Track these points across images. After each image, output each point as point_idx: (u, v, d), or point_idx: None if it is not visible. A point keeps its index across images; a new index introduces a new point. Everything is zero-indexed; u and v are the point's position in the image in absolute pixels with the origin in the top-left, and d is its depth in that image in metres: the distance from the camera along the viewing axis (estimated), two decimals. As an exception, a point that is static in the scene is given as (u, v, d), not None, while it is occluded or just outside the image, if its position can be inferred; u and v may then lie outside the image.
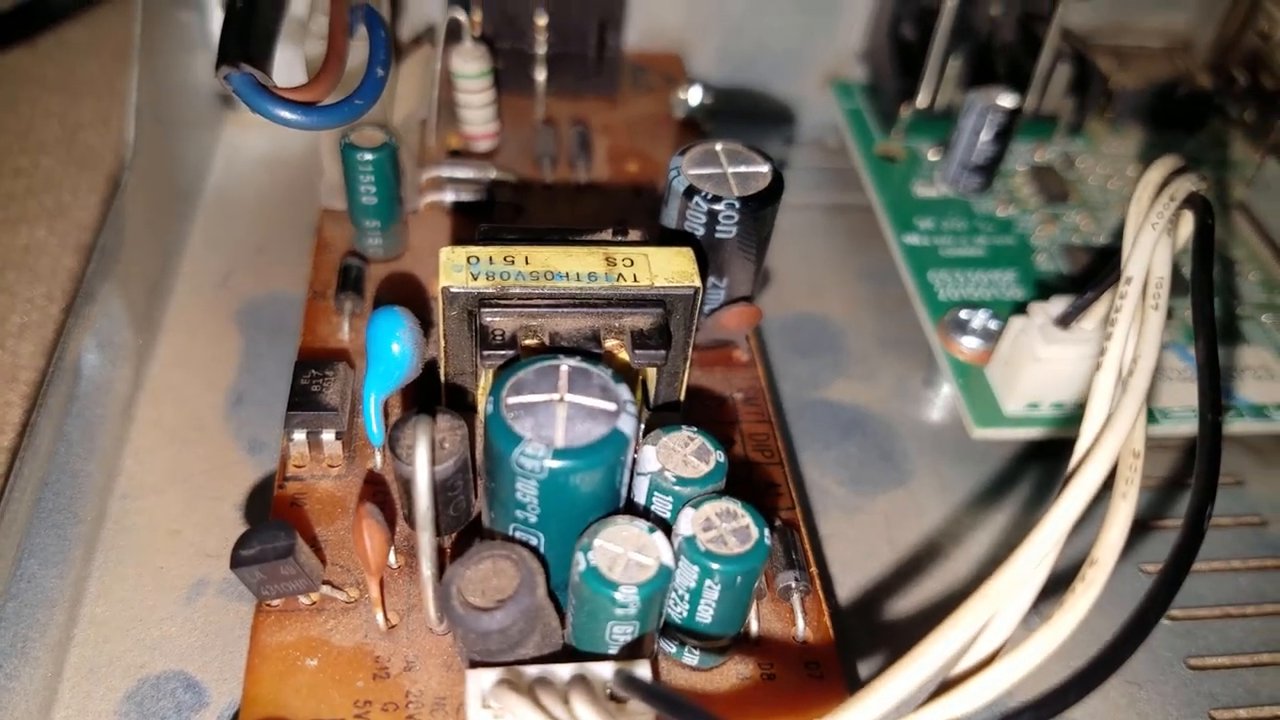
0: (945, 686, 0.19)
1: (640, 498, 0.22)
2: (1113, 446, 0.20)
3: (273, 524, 0.23)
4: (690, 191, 0.26)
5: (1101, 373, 0.22)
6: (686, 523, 0.21)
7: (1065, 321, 0.30)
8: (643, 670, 0.20)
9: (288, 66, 0.27)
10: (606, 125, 0.39)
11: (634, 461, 0.22)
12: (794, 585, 0.24)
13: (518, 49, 0.38)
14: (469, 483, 0.23)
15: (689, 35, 0.43)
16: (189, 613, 0.27)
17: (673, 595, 0.22)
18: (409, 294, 0.31)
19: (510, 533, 0.21)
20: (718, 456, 0.22)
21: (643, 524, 0.21)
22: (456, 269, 0.23)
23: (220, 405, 0.31)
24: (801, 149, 0.44)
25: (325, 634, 0.23)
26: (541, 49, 0.38)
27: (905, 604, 0.29)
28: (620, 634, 0.21)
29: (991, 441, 0.32)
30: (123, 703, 0.25)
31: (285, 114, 0.24)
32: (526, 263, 0.24)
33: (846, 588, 0.29)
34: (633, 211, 0.36)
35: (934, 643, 0.18)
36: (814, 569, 0.25)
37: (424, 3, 0.40)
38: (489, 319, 0.23)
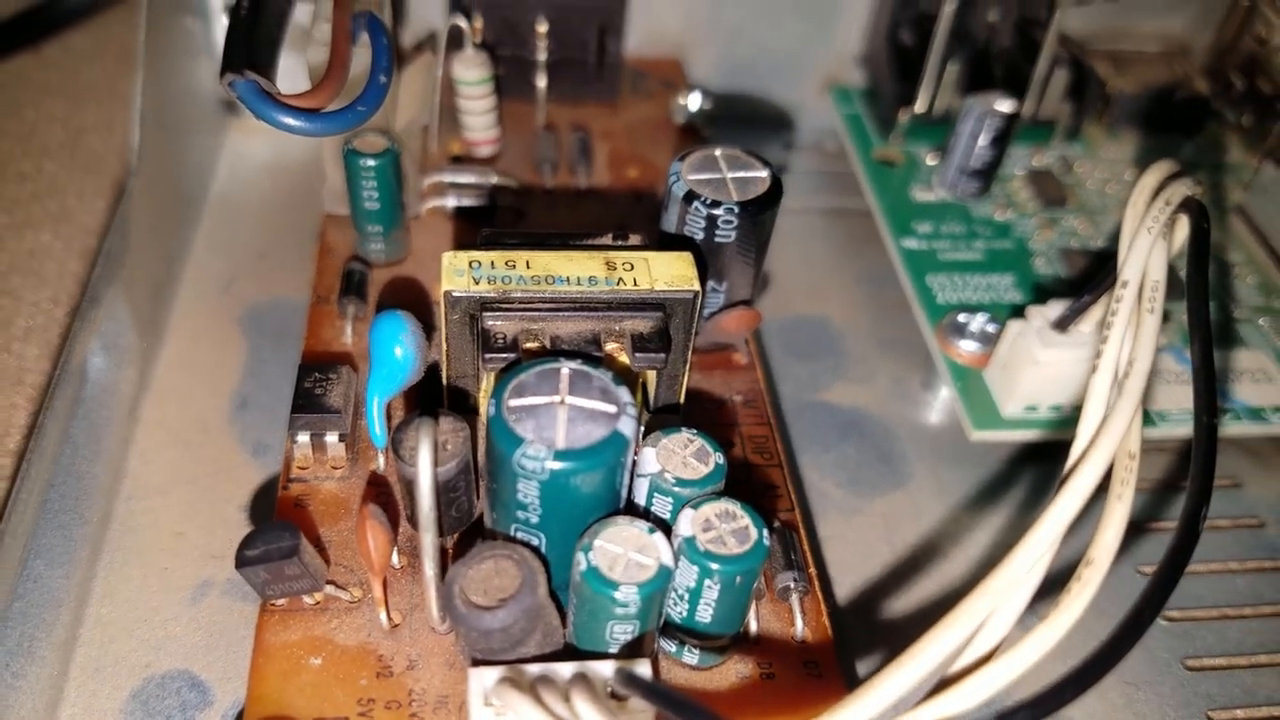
0: (943, 684, 0.19)
1: (640, 499, 0.23)
2: (1108, 448, 0.20)
3: (277, 524, 0.23)
4: (690, 196, 0.27)
5: (1097, 375, 0.22)
6: (686, 523, 0.21)
7: (1063, 325, 0.30)
8: (643, 669, 0.20)
9: (291, 73, 0.28)
10: (607, 131, 0.39)
11: (634, 463, 0.22)
12: (793, 586, 0.25)
13: (519, 55, 0.39)
14: (471, 484, 0.23)
15: (688, 41, 0.43)
16: (194, 613, 0.27)
17: (672, 595, 0.22)
18: (411, 298, 0.32)
19: (512, 533, 0.22)
20: (717, 458, 0.22)
21: (643, 525, 0.21)
22: (458, 273, 0.24)
23: (225, 408, 0.32)
24: (800, 154, 0.44)
25: (329, 633, 0.23)
26: (542, 55, 0.38)
27: (903, 604, 0.29)
28: (620, 633, 0.21)
29: (989, 444, 0.33)
30: (128, 702, 0.25)
31: (289, 120, 0.24)
32: (528, 267, 0.24)
33: (845, 588, 0.29)
34: (633, 216, 0.36)
35: (931, 641, 0.18)
36: (813, 570, 0.25)
37: (426, 10, 0.40)
38: (491, 323, 0.23)
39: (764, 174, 0.27)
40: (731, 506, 0.21)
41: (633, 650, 0.21)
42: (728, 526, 0.21)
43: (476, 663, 0.21)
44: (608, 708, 0.19)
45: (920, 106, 0.40)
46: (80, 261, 0.36)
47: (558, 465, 0.20)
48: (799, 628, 0.24)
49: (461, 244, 0.34)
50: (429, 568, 0.22)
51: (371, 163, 0.30)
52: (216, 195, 0.39)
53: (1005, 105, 0.36)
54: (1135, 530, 0.31)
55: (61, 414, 0.28)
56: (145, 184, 0.33)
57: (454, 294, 0.23)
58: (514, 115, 0.39)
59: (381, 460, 0.27)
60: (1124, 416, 0.20)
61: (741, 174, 0.27)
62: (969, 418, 0.31)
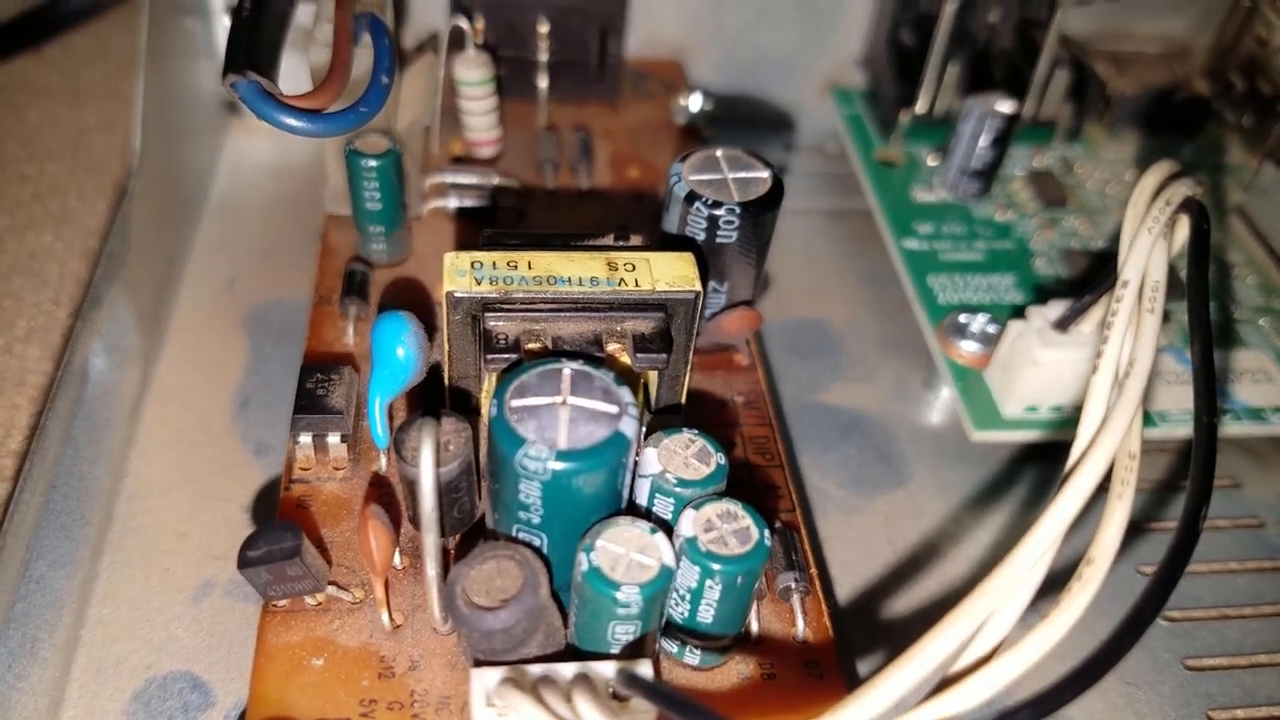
0: (944, 684, 0.19)
1: (642, 499, 0.23)
2: (1109, 448, 0.20)
3: (279, 525, 0.23)
4: (691, 197, 0.27)
5: (1098, 375, 0.22)
6: (688, 524, 0.21)
7: (1063, 325, 0.30)
8: (644, 669, 0.20)
9: (293, 74, 0.28)
10: (608, 131, 0.39)
11: (636, 464, 0.22)
12: (794, 586, 0.25)
13: (520, 56, 0.39)
14: (473, 484, 0.23)
15: (689, 42, 0.43)
16: (196, 613, 0.27)
17: (674, 595, 0.22)
18: (413, 298, 0.32)
19: (514, 534, 0.22)
20: (719, 459, 0.22)
21: (644, 525, 0.21)
22: (460, 274, 0.24)
23: (227, 408, 0.32)
24: (801, 154, 0.44)
25: (331, 634, 0.23)
26: (543, 56, 0.38)
27: (904, 604, 0.29)
28: (622, 633, 0.21)
29: (990, 444, 0.33)
30: (130, 703, 0.25)
31: (291, 121, 0.24)
32: (529, 268, 0.24)
33: (846, 588, 0.29)
34: (634, 217, 0.36)
35: (932, 641, 0.18)
36: (814, 570, 0.25)
37: (427, 11, 0.40)
38: (492, 323, 0.23)
39: (765, 175, 0.27)
40: (733, 507, 0.21)
41: (634, 651, 0.21)
42: (729, 527, 0.21)
43: (478, 663, 0.21)
44: (609, 708, 0.19)
45: (921, 107, 0.40)
46: (82, 262, 0.36)
47: (559, 466, 0.20)
48: (800, 628, 0.24)
49: (463, 244, 0.34)
50: (431, 568, 0.22)
51: (373, 163, 0.30)
52: (218, 196, 0.39)
53: (1006, 106, 0.36)
54: (1135, 530, 0.31)
55: (63, 415, 0.28)
56: (147, 185, 0.33)
57: (456, 294, 0.23)
58: (515, 116, 0.39)
59: (383, 461, 0.27)
60: (1124, 416, 0.20)
61: (743, 175, 0.27)
62: (970, 418, 0.31)
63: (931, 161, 0.40)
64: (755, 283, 0.29)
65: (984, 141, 0.37)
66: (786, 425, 0.33)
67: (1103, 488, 0.21)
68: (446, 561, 0.24)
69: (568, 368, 0.21)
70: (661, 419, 0.26)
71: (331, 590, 0.24)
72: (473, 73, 0.36)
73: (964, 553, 0.30)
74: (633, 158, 0.38)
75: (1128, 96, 0.42)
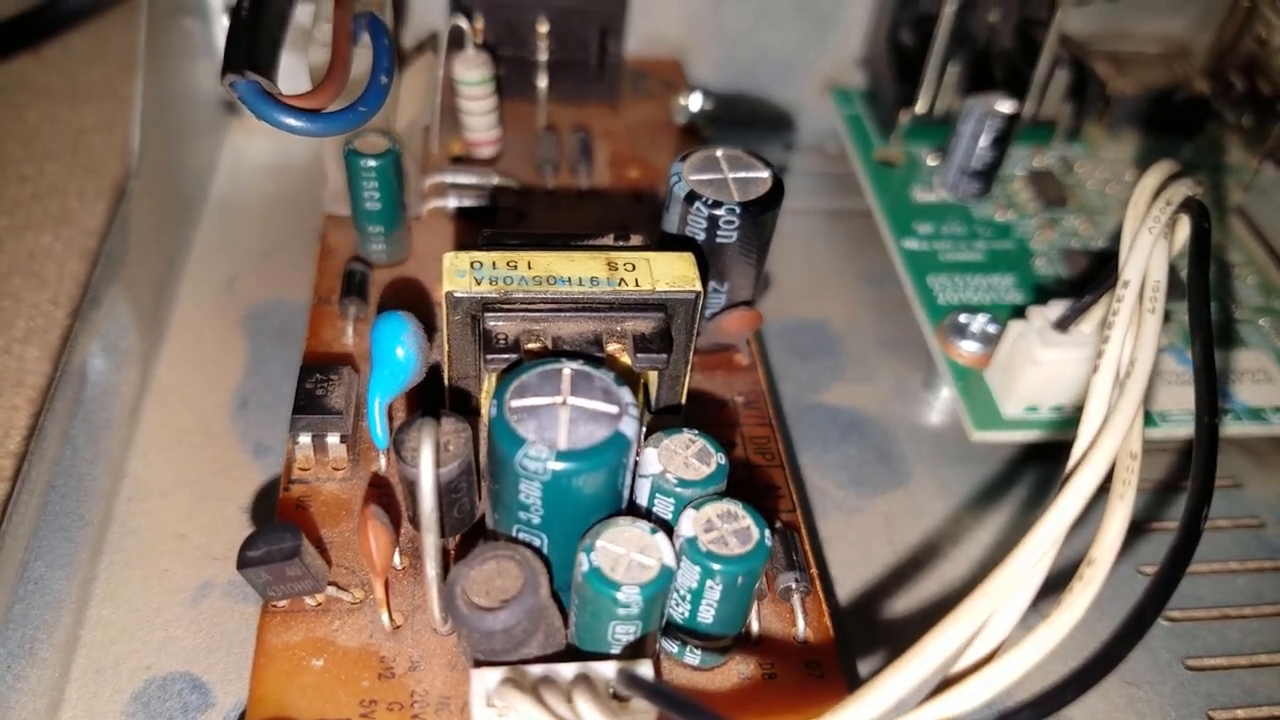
0: (944, 685, 0.19)
1: (642, 499, 0.23)
2: (1110, 448, 0.20)
3: (279, 526, 0.23)
4: (691, 197, 0.27)
5: (1099, 375, 0.22)
6: (688, 524, 0.21)
7: (1063, 325, 0.30)
8: (645, 670, 0.20)
9: (292, 74, 0.28)
10: (608, 131, 0.39)
11: (636, 464, 0.22)
12: (794, 586, 0.25)
13: (519, 56, 0.39)
14: (473, 485, 0.23)
15: (689, 42, 0.43)
16: (195, 614, 0.27)
17: (674, 596, 0.22)
18: (413, 299, 0.32)
19: (514, 534, 0.22)
20: (719, 459, 0.22)
21: (645, 525, 0.21)
22: (460, 274, 0.24)
23: (226, 409, 0.32)
24: (801, 154, 0.44)
25: (331, 634, 0.23)
26: (543, 56, 0.38)
27: (905, 604, 0.29)
28: (623, 634, 0.21)
29: (990, 444, 0.33)
30: (129, 704, 0.25)
31: (290, 121, 0.24)
32: (529, 268, 0.24)
33: (846, 588, 0.29)
34: (634, 217, 0.36)
35: (933, 641, 0.18)
36: (814, 570, 0.25)
37: (427, 10, 0.40)
38: (492, 323, 0.23)
39: (765, 174, 0.27)
40: (733, 507, 0.21)
41: (635, 651, 0.21)
42: (729, 527, 0.21)
43: (478, 664, 0.21)
44: (610, 708, 0.19)
45: (921, 107, 0.40)
46: (81, 263, 0.36)
47: (560, 466, 0.20)
48: (800, 628, 0.24)
49: (463, 245, 0.34)
50: (431, 569, 0.22)
51: (372, 163, 0.30)
52: (217, 196, 0.39)
53: (1006, 106, 0.36)
54: (1136, 530, 0.31)
55: (62, 416, 0.28)
56: (146, 185, 0.33)
57: (455, 295, 0.23)
58: (515, 116, 0.39)
59: (383, 461, 0.27)
60: (1125, 416, 0.20)
61: (743, 174, 0.27)
62: (970, 418, 0.31)
63: (931, 161, 0.40)
64: (755, 283, 0.29)
65: (984, 141, 0.37)
66: (786, 425, 0.33)
67: (1104, 488, 0.21)
68: (446, 562, 0.24)
69: (568, 368, 0.21)
70: (662, 419, 0.26)
71: (331, 591, 0.24)
72: (472, 72, 0.36)
73: (964, 553, 0.30)
74: (632, 158, 0.38)
75: (1127, 96, 0.42)
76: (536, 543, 0.21)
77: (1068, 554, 0.21)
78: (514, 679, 0.20)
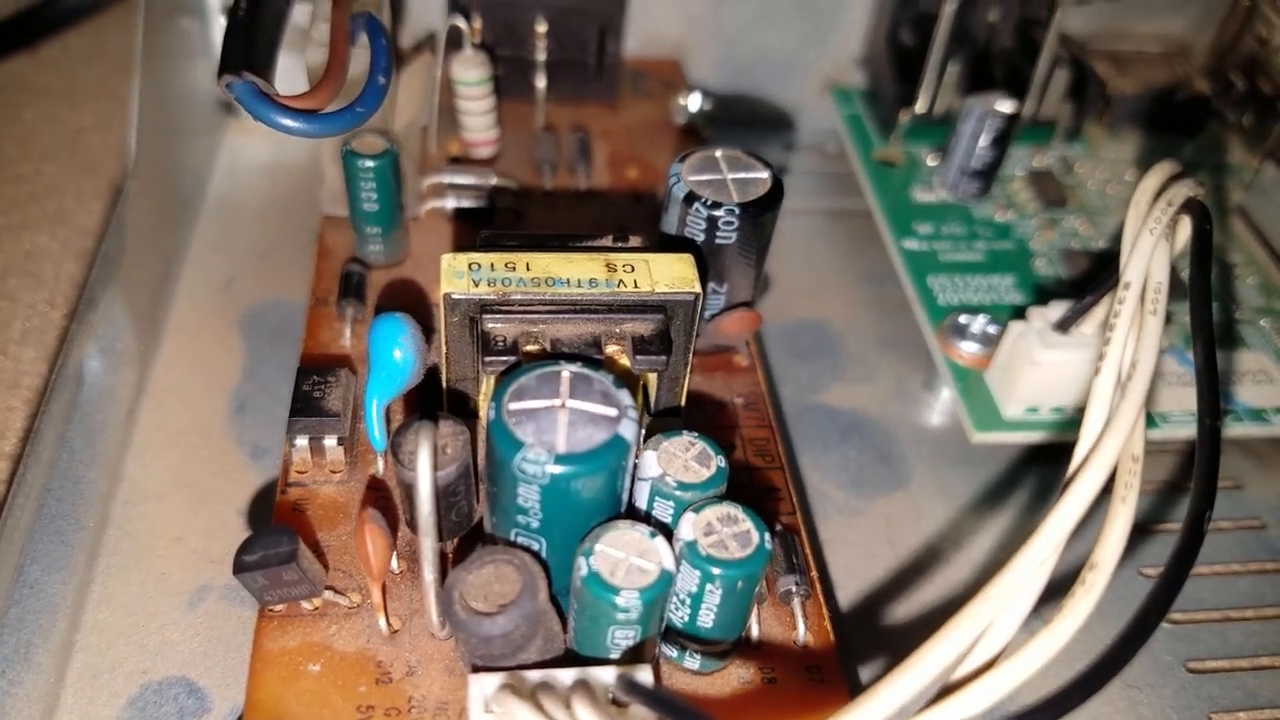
0: (946, 691, 0.19)
1: (641, 503, 0.22)
2: (1112, 450, 0.20)
3: (275, 529, 0.23)
4: (690, 198, 0.26)
5: (1100, 377, 0.22)
6: (688, 527, 0.21)
7: (1064, 326, 0.30)
8: (644, 675, 0.20)
9: (289, 74, 0.28)
10: (606, 131, 0.39)
11: (635, 467, 0.22)
12: (795, 589, 0.24)
13: (518, 56, 0.39)
14: (471, 488, 0.23)
15: (688, 42, 0.43)
16: (191, 618, 0.27)
17: (674, 600, 0.22)
18: (410, 300, 0.31)
19: (512, 538, 0.21)
20: (719, 461, 0.22)
21: (644, 529, 0.21)
22: (458, 275, 0.23)
23: (223, 411, 0.32)
24: (801, 154, 0.44)
25: (328, 639, 0.23)
26: (541, 56, 0.38)
27: (906, 607, 0.29)
28: (622, 638, 0.21)
29: (991, 446, 0.32)
30: (125, 708, 0.25)
31: (287, 122, 0.24)
32: (528, 269, 0.24)
33: (847, 591, 0.29)
34: (633, 217, 0.36)
35: (935, 647, 0.18)
36: (814, 573, 0.25)
37: (425, 10, 0.40)
38: (490, 325, 0.23)
39: (765, 175, 0.27)
40: (733, 510, 0.21)
41: (634, 656, 0.21)
42: (730, 530, 0.21)
43: (477, 669, 0.21)
44: (609, 714, 0.19)
45: (921, 107, 0.40)
46: (78, 263, 0.36)
47: (558, 469, 0.20)
48: (801, 632, 0.24)
49: (461, 245, 0.33)
50: (428, 573, 0.21)
51: (370, 164, 0.29)
52: (215, 196, 0.39)
53: (1006, 106, 0.36)
54: (1137, 531, 0.31)
55: (58, 418, 0.27)
56: (143, 185, 0.33)
57: (453, 296, 0.23)
58: (513, 116, 0.39)
59: (380, 464, 0.27)
60: (1127, 419, 0.20)
61: (742, 175, 0.27)
62: (970, 419, 0.31)
63: (931, 161, 0.40)
64: (755, 284, 0.29)
65: (984, 141, 0.37)
66: (786, 427, 0.33)
67: (1105, 491, 0.21)
68: (444, 566, 0.24)
69: (566, 370, 0.21)
70: (661, 421, 0.26)
71: (328, 595, 0.24)
72: (470, 72, 0.35)
73: (965, 555, 0.30)
74: (631, 158, 0.38)
75: (1128, 96, 0.42)
76: (535, 547, 0.21)
77: (1069, 557, 0.21)
78: (512, 685, 0.20)
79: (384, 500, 0.26)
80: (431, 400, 0.27)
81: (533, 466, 0.20)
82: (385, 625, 0.23)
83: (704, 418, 0.29)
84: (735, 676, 0.23)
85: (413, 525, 0.23)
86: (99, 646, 0.26)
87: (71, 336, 0.29)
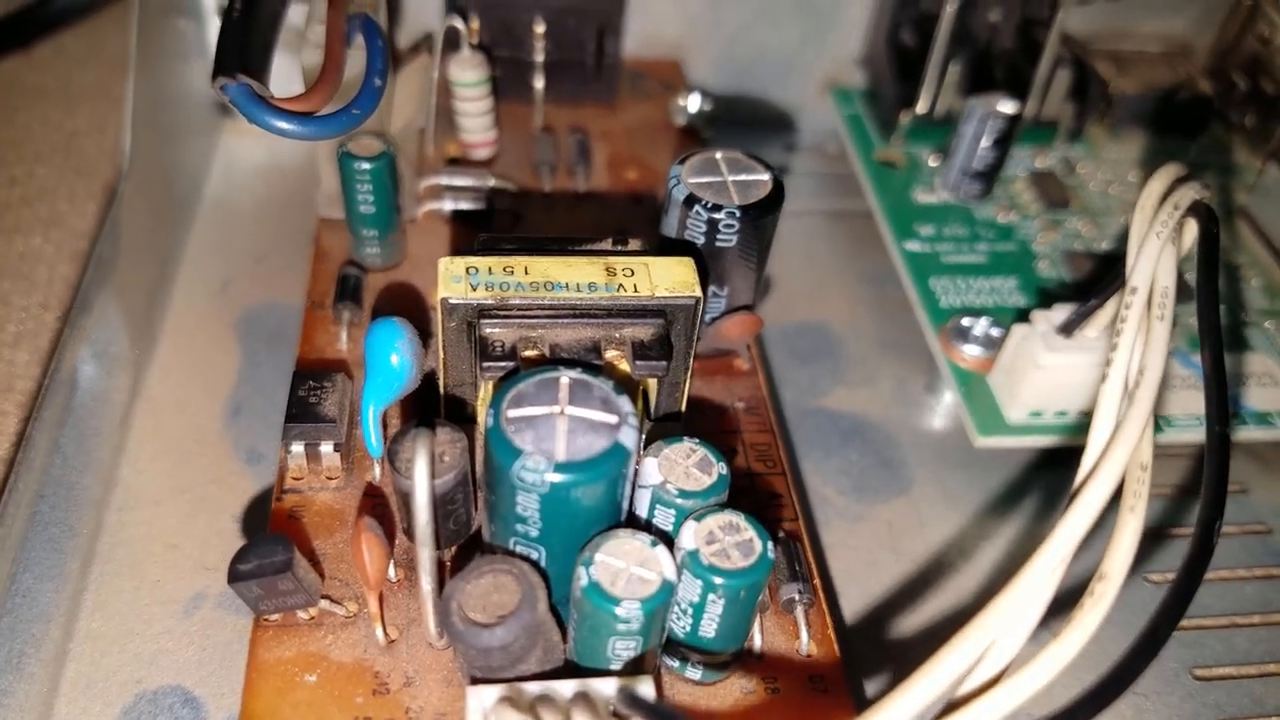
0: (951, 707, 0.18)
1: (642, 511, 0.22)
2: (1120, 460, 0.20)
3: (270, 538, 0.22)
4: (690, 200, 0.26)
5: (1107, 384, 0.22)
6: (689, 536, 0.21)
7: (1068, 329, 0.30)
8: (646, 687, 0.20)
9: (285, 76, 0.27)
10: (605, 132, 0.39)
11: (635, 474, 0.22)
12: (797, 598, 0.24)
13: (516, 57, 0.38)
14: (469, 496, 0.23)
15: (688, 42, 0.43)
16: (187, 626, 0.26)
17: (675, 610, 0.21)
18: (408, 303, 0.31)
19: (511, 547, 0.21)
20: (720, 469, 0.22)
21: (645, 538, 0.20)
22: (455, 280, 0.23)
23: (218, 416, 0.31)
24: (801, 155, 0.44)
25: (324, 649, 0.23)
26: (540, 56, 0.38)
27: (909, 613, 0.28)
28: (623, 650, 0.20)
29: (994, 450, 0.32)
30: (119, 718, 0.25)
31: (282, 124, 0.24)
32: (526, 273, 0.24)
33: (850, 598, 0.29)
34: (632, 219, 0.35)
35: (941, 661, 0.18)
36: (817, 580, 0.25)
37: (422, 11, 0.40)
38: (488, 330, 0.23)
39: (766, 177, 0.27)
40: (735, 518, 0.21)
41: (635, 667, 0.21)
42: (732, 539, 0.21)
43: (475, 681, 0.20)
44: (610, 727, 0.18)
45: (922, 107, 0.40)
46: (71, 265, 0.35)
47: (558, 478, 0.19)
48: (804, 641, 0.24)
49: (458, 248, 0.33)
50: (426, 583, 0.21)
51: (367, 166, 0.29)
52: (210, 198, 0.39)
53: (1007, 106, 0.36)
54: (1142, 537, 0.31)
55: (51, 423, 0.27)
56: (137, 187, 0.33)
57: (451, 301, 0.23)
58: (511, 117, 0.38)
59: (377, 470, 0.26)
60: (1136, 428, 0.20)
61: (743, 177, 0.27)
62: (973, 423, 0.31)
63: (932, 162, 0.40)
64: (756, 287, 0.28)
65: (985, 142, 0.36)
66: (787, 431, 0.33)
67: (1113, 499, 0.20)
68: (442, 575, 0.24)
69: (566, 376, 0.21)
70: (661, 427, 0.26)
71: (324, 604, 0.23)
72: (468, 73, 0.35)
73: (968, 560, 0.30)
74: (631, 159, 0.38)
75: (1130, 96, 0.41)
76: (534, 556, 0.21)
77: (1074, 568, 0.20)
78: (511, 698, 0.19)
79: (381, 507, 0.26)
80: (429, 406, 0.27)
81: (532, 475, 0.19)
82: (382, 635, 0.23)
83: (704, 422, 0.29)
84: (738, 687, 0.23)
85: (410, 533, 0.22)
86: (92, 655, 0.26)
87: (64, 341, 0.28)
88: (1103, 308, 0.29)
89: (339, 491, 0.26)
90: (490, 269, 0.23)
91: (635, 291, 0.23)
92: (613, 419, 0.20)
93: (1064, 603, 0.20)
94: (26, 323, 0.33)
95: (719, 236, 0.26)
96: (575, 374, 0.21)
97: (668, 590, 0.20)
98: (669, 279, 0.24)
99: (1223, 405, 0.21)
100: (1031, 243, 0.37)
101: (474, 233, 0.32)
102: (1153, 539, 0.31)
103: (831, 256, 0.39)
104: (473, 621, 0.20)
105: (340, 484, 0.26)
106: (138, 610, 0.26)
